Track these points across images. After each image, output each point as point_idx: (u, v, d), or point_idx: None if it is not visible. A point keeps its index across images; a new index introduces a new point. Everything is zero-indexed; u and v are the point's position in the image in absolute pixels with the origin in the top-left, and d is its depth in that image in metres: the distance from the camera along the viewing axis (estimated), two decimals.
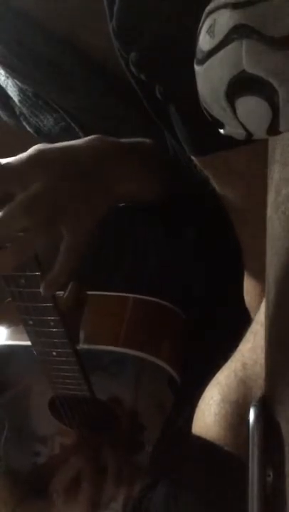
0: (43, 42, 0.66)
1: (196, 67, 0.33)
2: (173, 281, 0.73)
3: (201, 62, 0.32)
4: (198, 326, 0.71)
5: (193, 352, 0.70)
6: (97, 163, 0.59)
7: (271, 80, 0.31)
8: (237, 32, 0.30)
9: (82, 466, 0.77)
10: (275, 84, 0.31)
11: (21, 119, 0.76)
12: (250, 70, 0.31)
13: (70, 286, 0.71)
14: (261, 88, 0.31)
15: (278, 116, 0.32)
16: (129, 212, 0.74)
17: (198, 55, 0.33)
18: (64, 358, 0.69)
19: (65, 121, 0.70)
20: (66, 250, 0.56)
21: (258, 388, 0.45)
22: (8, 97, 0.76)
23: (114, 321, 0.71)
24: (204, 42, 0.32)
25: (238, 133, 0.34)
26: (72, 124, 0.69)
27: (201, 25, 0.32)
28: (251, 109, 0.32)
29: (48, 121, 0.72)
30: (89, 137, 0.61)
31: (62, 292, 0.71)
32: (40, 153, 0.56)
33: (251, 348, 0.49)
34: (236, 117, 0.33)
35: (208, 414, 0.50)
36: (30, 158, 0.55)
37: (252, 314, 0.59)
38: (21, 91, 0.73)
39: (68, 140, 0.62)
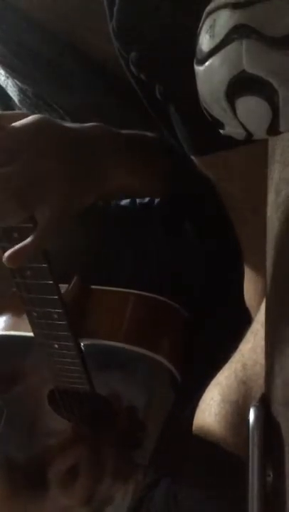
0: (43, 42, 0.66)
1: (196, 67, 0.33)
2: (173, 281, 0.73)
3: (201, 62, 0.32)
4: (198, 325, 0.71)
5: (194, 352, 0.70)
6: (93, 150, 0.58)
7: (271, 80, 0.31)
8: (237, 32, 0.30)
9: (79, 459, 0.77)
10: (275, 84, 0.31)
11: None
12: (250, 70, 0.31)
13: (74, 279, 0.71)
14: (261, 88, 0.31)
15: (278, 116, 0.32)
16: (129, 211, 0.74)
17: (198, 55, 0.33)
18: (66, 351, 0.69)
19: (66, 121, 0.70)
20: (43, 226, 0.54)
21: (258, 388, 0.45)
22: (8, 97, 0.76)
23: (117, 316, 0.71)
24: (204, 42, 0.32)
25: (238, 133, 0.34)
26: None
27: (201, 25, 0.32)
28: (251, 109, 0.32)
29: None
30: (90, 124, 0.60)
31: (66, 285, 0.71)
32: (36, 127, 0.54)
33: (251, 349, 0.49)
34: (236, 117, 0.33)
35: (209, 415, 0.50)
36: (25, 130, 0.54)
37: (252, 314, 0.59)
38: (21, 91, 0.73)
39: None
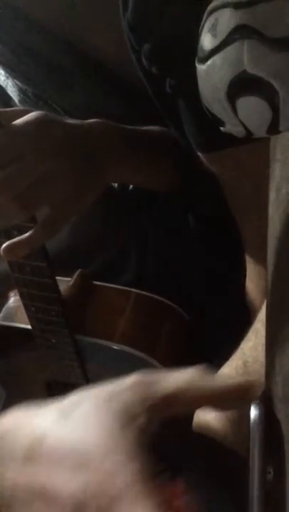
0: (43, 42, 0.66)
1: (198, 66, 0.33)
2: (173, 281, 0.73)
3: (203, 60, 0.32)
4: (198, 325, 0.72)
5: (194, 351, 0.70)
6: (95, 147, 0.58)
7: (272, 81, 0.31)
8: (239, 32, 0.30)
9: None
10: (276, 85, 0.31)
11: None
12: (252, 70, 0.31)
13: (77, 273, 0.71)
14: (262, 88, 0.32)
15: (278, 116, 0.32)
16: (131, 210, 0.74)
17: (200, 54, 0.33)
18: (62, 346, 0.69)
19: None
20: (42, 224, 0.54)
21: (259, 386, 0.45)
22: (9, 97, 0.76)
23: (116, 315, 0.71)
24: (206, 40, 0.32)
25: (238, 131, 0.34)
26: None
27: (203, 23, 0.32)
28: (252, 109, 0.33)
29: None
30: (92, 120, 0.59)
31: (69, 279, 0.71)
32: (38, 125, 0.54)
33: (252, 346, 0.49)
34: (237, 116, 0.33)
35: (209, 411, 0.50)
36: (27, 129, 0.53)
37: (254, 313, 0.59)
38: (21, 91, 0.73)
39: None
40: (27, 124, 0.53)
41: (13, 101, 0.75)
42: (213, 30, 0.31)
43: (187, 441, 0.54)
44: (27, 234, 0.54)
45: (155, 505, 0.29)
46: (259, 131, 0.34)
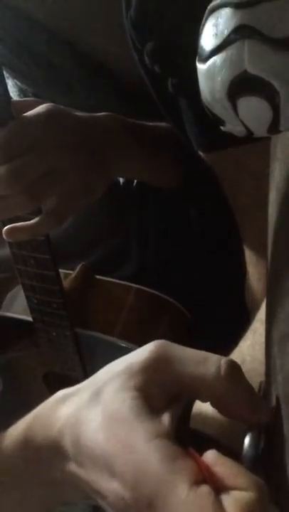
0: (44, 42, 0.66)
1: (198, 65, 0.33)
2: (173, 278, 0.73)
3: (204, 60, 0.33)
4: (198, 322, 0.72)
5: (193, 348, 0.70)
6: (105, 141, 0.57)
7: (272, 81, 0.31)
8: (239, 32, 0.30)
9: None
10: (276, 85, 0.31)
11: None
12: (252, 70, 0.31)
13: (79, 267, 0.71)
14: (262, 88, 0.32)
15: (279, 116, 0.33)
16: (133, 206, 0.74)
17: (201, 53, 0.33)
18: (63, 340, 0.68)
19: None
20: (48, 214, 0.54)
21: (256, 385, 0.45)
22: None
23: (117, 310, 0.71)
24: (207, 40, 0.32)
25: (239, 131, 0.34)
26: None
27: (204, 22, 0.32)
28: (252, 109, 0.33)
29: None
30: (103, 113, 0.59)
31: (71, 272, 0.70)
32: (50, 118, 0.53)
33: (250, 345, 0.49)
34: (237, 116, 0.33)
35: (206, 409, 0.50)
36: (39, 120, 0.52)
37: (254, 313, 0.59)
38: (21, 91, 0.73)
39: None
40: (38, 115, 0.53)
41: None
42: (214, 30, 0.32)
43: (184, 438, 0.54)
44: (32, 221, 0.54)
45: (191, 480, 0.30)
46: (259, 130, 0.34)
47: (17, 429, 0.42)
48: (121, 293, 0.71)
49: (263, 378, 0.44)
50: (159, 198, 0.69)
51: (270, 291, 0.41)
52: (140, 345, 0.66)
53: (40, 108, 0.53)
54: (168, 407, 0.34)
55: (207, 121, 0.35)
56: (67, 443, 0.35)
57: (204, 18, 0.33)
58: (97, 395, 0.35)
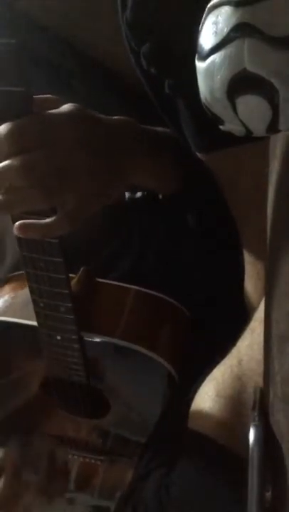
0: (43, 42, 0.66)
1: (198, 64, 0.33)
2: (174, 278, 0.73)
3: (203, 58, 0.32)
4: (197, 324, 0.72)
5: (193, 349, 0.71)
6: (121, 145, 0.57)
7: (272, 80, 0.31)
8: (239, 30, 0.30)
9: (72, 450, 0.77)
10: (276, 83, 0.31)
11: None
12: (252, 69, 0.31)
13: (80, 271, 0.71)
14: (262, 87, 0.32)
15: (278, 115, 0.32)
16: (132, 207, 0.74)
17: (200, 51, 0.33)
18: (67, 344, 0.68)
19: None
20: (64, 215, 0.54)
21: (253, 384, 0.45)
22: None
23: (119, 312, 0.71)
24: (206, 38, 0.32)
25: (238, 130, 0.34)
26: None
27: (203, 20, 0.32)
28: (252, 108, 0.33)
29: None
30: (120, 117, 0.59)
31: (73, 275, 0.70)
32: (72, 117, 0.53)
33: (248, 345, 0.49)
34: (236, 115, 0.33)
35: (204, 409, 0.50)
36: (60, 118, 0.53)
37: (252, 312, 0.59)
38: None
39: None
40: (60, 114, 0.53)
41: None
42: (213, 28, 0.31)
43: (182, 437, 0.54)
44: (45, 220, 0.54)
45: None
46: (259, 130, 0.34)
47: None
48: (122, 295, 0.71)
49: (260, 378, 0.44)
50: (158, 200, 0.69)
51: (268, 291, 0.41)
52: (143, 346, 0.67)
53: (64, 107, 0.53)
54: None
55: (204, 121, 0.35)
56: None
57: (204, 17, 0.32)
58: None
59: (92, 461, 0.79)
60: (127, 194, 0.72)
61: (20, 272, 0.72)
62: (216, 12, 0.31)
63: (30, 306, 0.67)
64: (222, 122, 0.35)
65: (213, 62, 0.32)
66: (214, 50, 0.31)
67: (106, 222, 0.72)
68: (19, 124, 0.50)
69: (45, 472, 0.80)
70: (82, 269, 0.71)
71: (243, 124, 0.34)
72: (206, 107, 0.35)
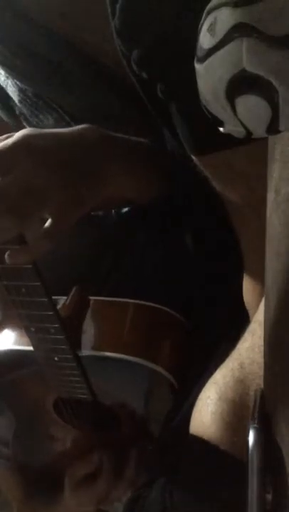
0: (43, 42, 0.66)
1: (197, 65, 0.33)
2: (172, 283, 0.73)
3: (202, 60, 0.32)
4: (197, 326, 0.71)
5: (194, 353, 0.70)
6: (85, 153, 0.58)
7: (271, 80, 0.31)
8: (238, 31, 0.30)
9: (105, 461, 0.77)
10: (276, 83, 0.31)
11: (21, 119, 0.76)
12: (251, 69, 0.31)
13: (72, 291, 0.72)
14: (261, 87, 0.31)
15: (278, 115, 0.32)
16: (127, 215, 0.74)
17: (199, 53, 0.33)
18: (65, 363, 0.69)
19: (65, 121, 0.70)
20: (44, 232, 0.55)
21: (255, 387, 0.45)
22: (8, 97, 0.76)
23: (116, 327, 0.71)
24: (205, 40, 0.32)
25: (238, 131, 0.34)
26: (72, 124, 0.69)
27: (201, 22, 0.32)
28: (251, 108, 0.32)
29: (48, 121, 0.72)
30: (80, 126, 0.60)
31: (64, 297, 0.71)
32: (25, 139, 0.55)
33: (249, 347, 0.49)
34: (236, 116, 0.33)
35: (205, 413, 0.50)
36: (15, 144, 0.54)
37: (251, 314, 0.59)
38: (21, 91, 0.73)
39: None
40: (16, 139, 0.54)
41: (13, 101, 0.75)
42: (211, 30, 0.31)
43: (184, 444, 0.53)
44: (28, 243, 0.55)
45: None
46: (258, 130, 0.34)
47: None
48: (119, 311, 0.72)
49: (261, 380, 0.44)
50: (152, 211, 0.70)
51: (268, 293, 0.41)
52: (144, 358, 0.67)
53: (16, 135, 0.55)
54: None
55: (198, 124, 0.35)
56: None
57: (202, 19, 0.32)
58: None
59: None
60: (113, 211, 0.73)
61: None
62: (214, 14, 0.31)
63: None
64: (222, 124, 0.35)
65: (211, 63, 0.32)
66: (213, 50, 0.31)
67: (95, 240, 0.73)
68: None
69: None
70: (74, 288, 0.71)
71: (243, 125, 0.34)
72: (206, 108, 0.34)
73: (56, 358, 0.69)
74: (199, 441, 0.50)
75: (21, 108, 0.75)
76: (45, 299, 0.63)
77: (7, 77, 0.73)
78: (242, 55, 0.31)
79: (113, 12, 0.45)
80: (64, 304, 0.70)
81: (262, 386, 0.44)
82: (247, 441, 0.38)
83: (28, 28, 0.64)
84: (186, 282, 0.73)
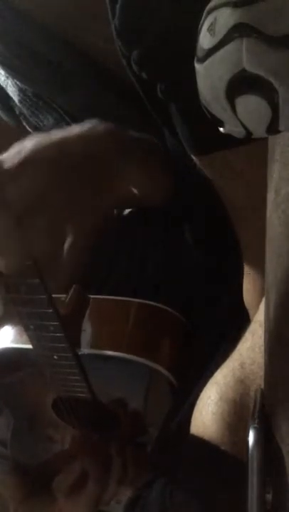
0: (43, 42, 0.66)
1: (196, 65, 0.33)
2: (172, 282, 0.73)
3: (202, 60, 0.32)
4: (198, 326, 0.71)
5: (193, 352, 0.70)
6: (95, 159, 0.57)
7: (271, 79, 0.31)
8: (237, 31, 0.30)
9: (89, 465, 0.77)
10: (275, 83, 0.31)
11: (21, 119, 0.76)
12: (251, 69, 0.31)
13: (72, 290, 0.72)
14: (261, 87, 0.31)
15: (278, 115, 0.32)
16: (127, 215, 0.74)
17: (199, 53, 0.33)
18: (65, 362, 0.69)
19: (65, 121, 0.70)
20: (69, 249, 0.54)
21: (256, 387, 0.45)
22: (8, 97, 0.76)
23: (115, 326, 0.71)
24: (205, 40, 0.32)
25: (238, 131, 0.34)
26: (72, 125, 0.69)
27: (201, 23, 0.32)
28: (251, 108, 0.33)
29: (48, 121, 0.72)
30: (91, 123, 0.59)
31: (64, 295, 0.71)
32: (32, 153, 0.54)
33: (249, 348, 0.49)
34: (236, 116, 0.33)
35: (206, 413, 0.50)
36: (24, 159, 0.53)
37: (251, 314, 0.59)
38: (21, 91, 0.73)
39: None
40: (15, 158, 0.53)
41: (13, 101, 0.75)
42: (211, 30, 0.31)
43: (185, 444, 0.53)
44: (60, 266, 0.55)
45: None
46: (258, 130, 0.34)
47: None
48: (119, 309, 0.72)
49: (262, 381, 0.44)
50: (152, 211, 0.70)
51: (269, 292, 0.41)
52: (143, 356, 0.67)
53: (11, 149, 0.54)
54: None
55: (198, 124, 0.35)
56: None
57: (202, 19, 0.32)
58: None
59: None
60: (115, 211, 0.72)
61: None
62: (214, 14, 0.31)
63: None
64: (222, 124, 0.35)
65: (211, 63, 0.32)
66: (212, 51, 0.31)
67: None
68: None
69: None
70: (74, 286, 0.71)
71: (243, 125, 0.34)
72: (206, 108, 0.34)
73: (55, 357, 0.69)
74: (200, 441, 0.50)
75: (21, 108, 0.75)
76: (45, 296, 0.63)
77: (7, 77, 0.73)
78: (242, 55, 0.31)
79: (113, 12, 0.46)
80: (64, 301, 0.70)
81: (262, 386, 0.44)
82: (247, 441, 0.38)
83: (28, 28, 0.64)
84: (186, 282, 0.73)
